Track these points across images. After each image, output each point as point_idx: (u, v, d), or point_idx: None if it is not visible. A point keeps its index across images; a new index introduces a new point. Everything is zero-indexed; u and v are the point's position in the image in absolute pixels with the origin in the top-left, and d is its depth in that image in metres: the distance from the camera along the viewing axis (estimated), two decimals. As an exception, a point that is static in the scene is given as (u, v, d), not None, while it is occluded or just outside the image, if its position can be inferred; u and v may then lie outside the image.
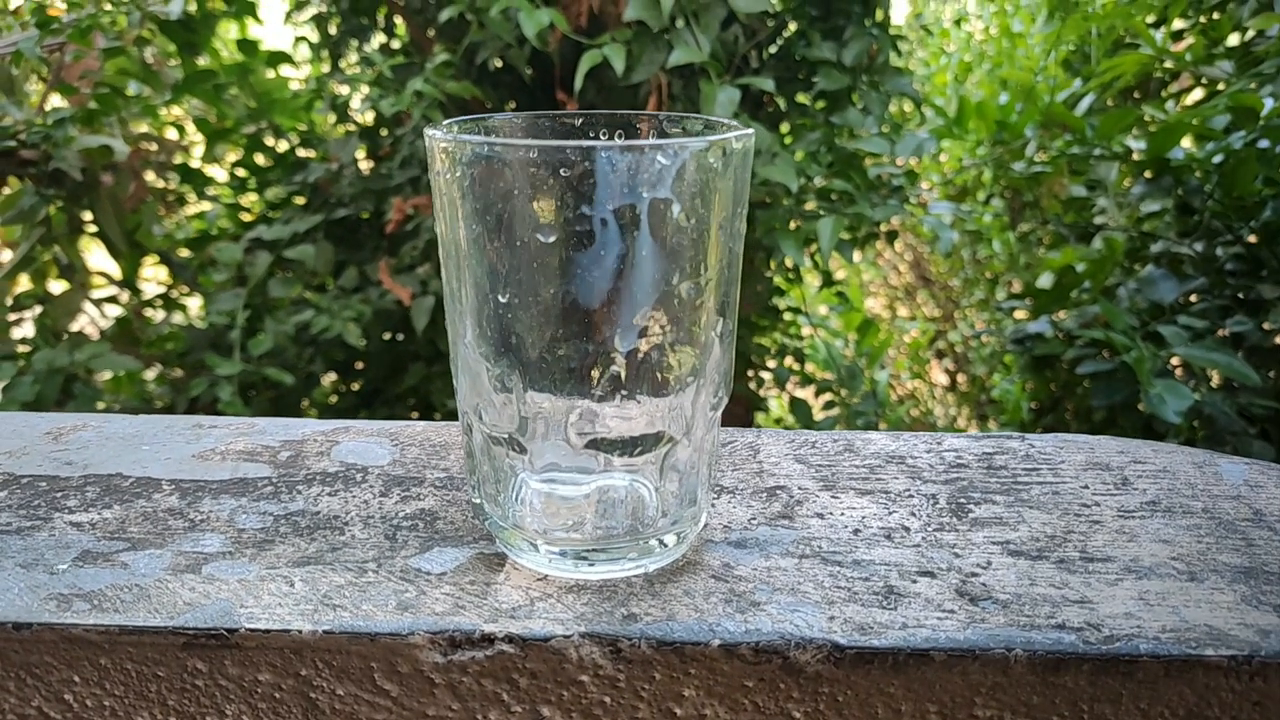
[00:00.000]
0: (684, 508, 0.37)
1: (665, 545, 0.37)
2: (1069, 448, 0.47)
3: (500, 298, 0.34)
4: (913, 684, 0.33)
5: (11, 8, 1.83)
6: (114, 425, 0.49)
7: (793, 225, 1.52)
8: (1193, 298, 1.52)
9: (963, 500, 0.42)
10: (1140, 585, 0.36)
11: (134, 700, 0.34)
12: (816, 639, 0.33)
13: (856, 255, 2.48)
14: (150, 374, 1.73)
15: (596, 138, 0.40)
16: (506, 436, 0.35)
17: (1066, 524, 0.40)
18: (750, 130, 0.34)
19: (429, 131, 0.33)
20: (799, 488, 0.43)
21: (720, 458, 0.46)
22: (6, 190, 1.63)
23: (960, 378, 2.98)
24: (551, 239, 0.32)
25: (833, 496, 0.43)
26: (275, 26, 2.00)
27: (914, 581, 0.36)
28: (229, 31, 2.04)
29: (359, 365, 1.79)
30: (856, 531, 0.40)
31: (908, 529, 0.40)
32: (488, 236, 0.33)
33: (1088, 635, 0.33)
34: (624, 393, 0.35)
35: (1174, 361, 1.44)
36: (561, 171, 0.31)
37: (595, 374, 0.35)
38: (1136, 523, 0.40)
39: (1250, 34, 1.72)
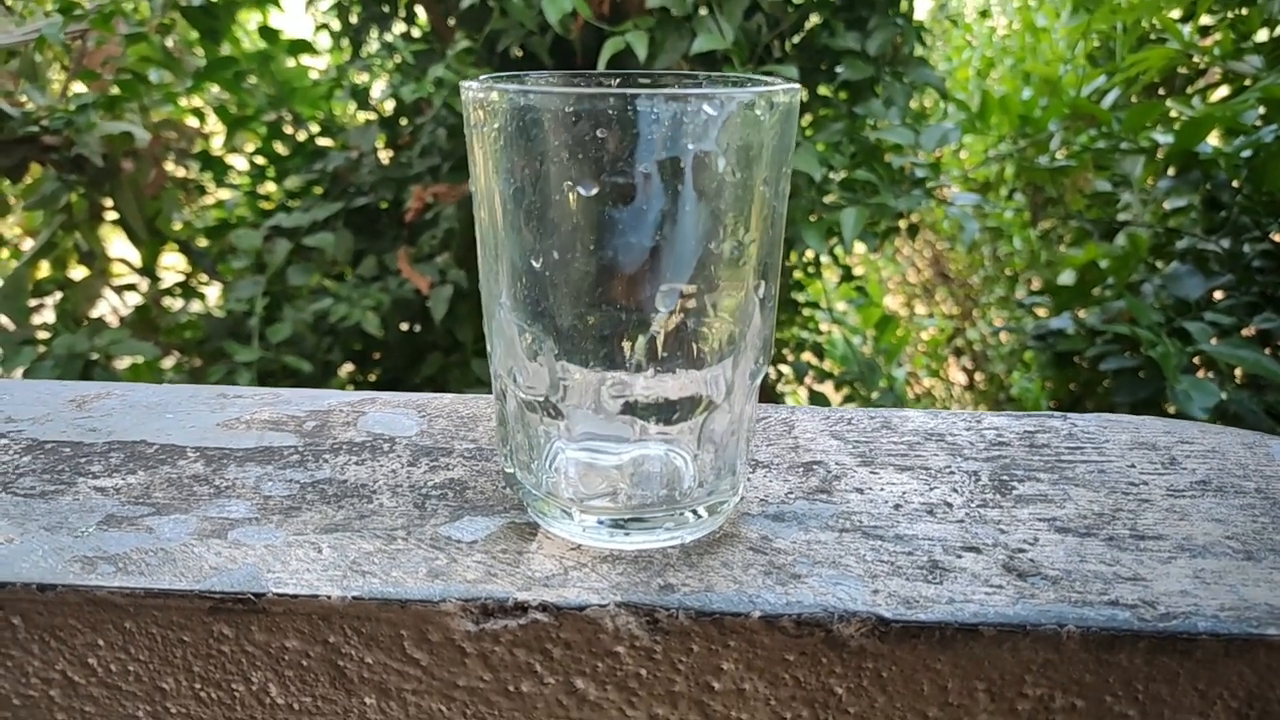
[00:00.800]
0: (721, 479, 0.36)
1: (701, 516, 0.36)
2: (1113, 427, 0.46)
3: (534, 261, 0.33)
4: (960, 660, 0.32)
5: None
6: (138, 394, 0.48)
7: (814, 217, 1.51)
8: (1220, 295, 1.50)
9: (1005, 478, 0.41)
10: (1195, 563, 0.34)
11: (159, 665, 0.33)
12: (860, 612, 0.32)
13: (877, 251, 2.46)
14: (168, 362, 1.73)
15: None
16: (541, 400, 0.34)
17: (1114, 502, 0.39)
18: (796, 85, 0.33)
19: (466, 85, 0.32)
20: (836, 463, 0.42)
21: (755, 433, 0.45)
22: (28, 178, 1.63)
23: (978, 376, 2.96)
24: (592, 193, 0.31)
25: (871, 472, 0.41)
26: (296, 14, 1.99)
27: (959, 556, 0.35)
28: (250, 20, 2.03)
29: (376, 355, 1.79)
30: (897, 507, 0.39)
31: (950, 505, 0.39)
32: (524, 192, 0.32)
33: (1143, 613, 0.32)
34: (659, 364, 0.34)
35: (1196, 361, 1.42)
36: (600, 125, 0.30)
37: (628, 345, 0.34)
38: (1187, 501, 0.39)
39: (1280, 29, 1.69)
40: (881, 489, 0.40)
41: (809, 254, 1.82)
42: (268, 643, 0.33)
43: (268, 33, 1.75)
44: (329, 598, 0.32)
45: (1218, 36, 1.91)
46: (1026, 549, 0.35)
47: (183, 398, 0.48)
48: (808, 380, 2.08)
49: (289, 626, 0.33)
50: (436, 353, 1.69)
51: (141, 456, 0.42)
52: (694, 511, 0.36)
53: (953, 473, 0.41)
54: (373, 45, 1.90)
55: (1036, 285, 2.61)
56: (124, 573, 0.33)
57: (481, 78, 0.34)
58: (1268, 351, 1.43)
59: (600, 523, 0.35)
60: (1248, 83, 1.67)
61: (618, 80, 0.37)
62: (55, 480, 0.40)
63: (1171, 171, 1.65)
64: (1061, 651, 0.31)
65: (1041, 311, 2.13)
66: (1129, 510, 0.38)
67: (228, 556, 0.34)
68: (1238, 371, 1.46)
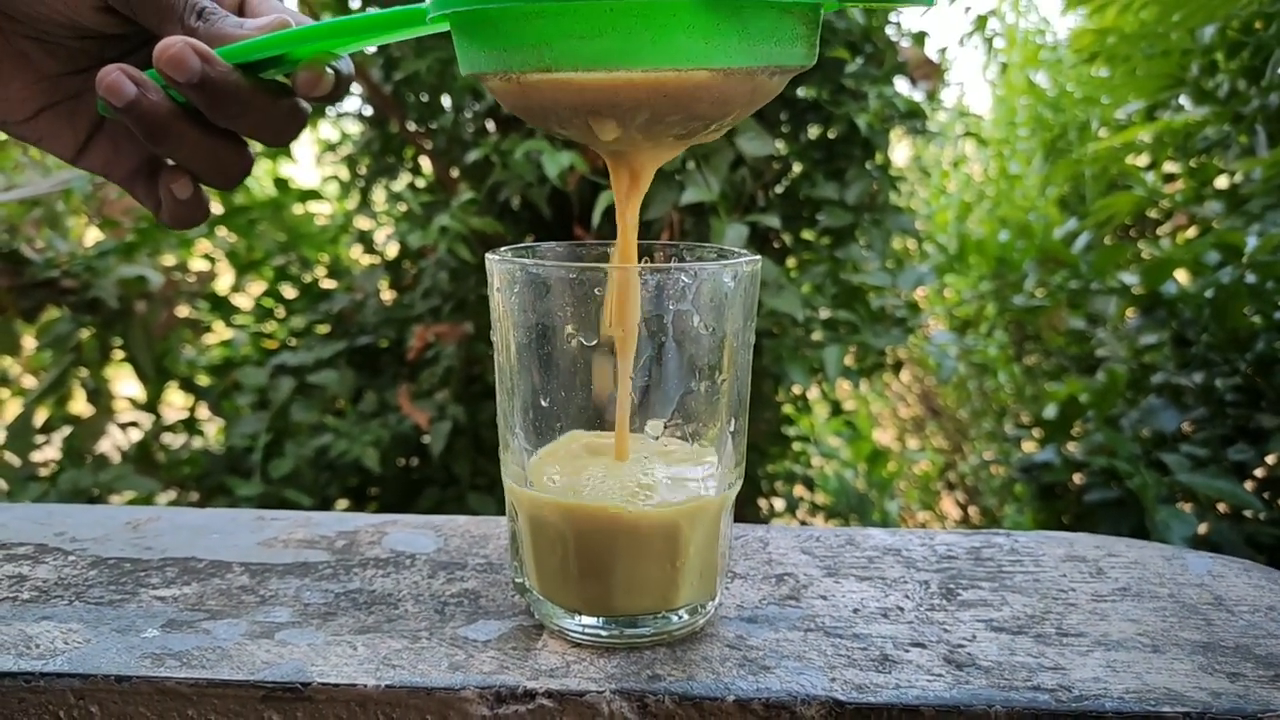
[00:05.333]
0: (703, 584, 0.42)
1: (685, 618, 0.42)
2: (1049, 543, 0.52)
3: (543, 399, 0.40)
4: (906, 737, 0.37)
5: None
6: (184, 517, 0.54)
7: (799, 354, 1.59)
8: (1196, 427, 1.56)
9: (952, 586, 0.47)
10: (1109, 655, 0.40)
11: (215, 748, 0.38)
12: (820, 696, 0.37)
13: (864, 386, 2.54)
14: (165, 497, 1.77)
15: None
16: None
17: (1045, 606, 0.45)
18: (758, 257, 0.40)
19: (490, 256, 0.40)
20: (805, 574, 0.48)
21: (733, 548, 0.51)
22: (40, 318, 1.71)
23: (972, 509, 3.00)
24: (591, 343, 0.37)
25: (835, 582, 0.47)
26: (306, 164, 2.11)
27: (907, 651, 0.41)
28: (262, 166, 2.15)
29: (373, 490, 1.83)
30: (856, 610, 0.44)
31: (902, 609, 0.44)
32: (536, 342, 0.39)
33: (1059, 695, 0.37)
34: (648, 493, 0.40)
35: (1176, 491, 1.47)
36: (598, 288, 0.37)
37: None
38: (1108, 605, 0.45)
39: (1239, 176, 1.80)
40: (843, 596, 0.46)
41: (796, 389, 1.90)
42: (310, 728, 0.38)
43: (279, 182, 1.86)
44: (365, 686, 0.38)
45: (1180, 185, 2.03)
46: (965, 644, 0.41)
47: (225, 520, 0.54)
48: (800, 514, 2.13)
49: (330, 712, 0.38)
50: (433, 487, 1.74)
51: (193, 570, 0.48)
52: (679, 614, 0.42)
53: (906, 582, 0.47)
54: (379, 194, 2.01)
55: (1025, 419, 2.67)
56: (188, 666, 0.39)
57: (503, 249, 0.41)
58: (1248, 483, 1.49)
59: (597, 622, 0.41)
60: (1215, 224, 1.78)
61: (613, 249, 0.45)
62: (120, 590, 0.45)
63: (1139, 310, 1.74)
64: (991, 729, 0.37)
65: (1029, 445, 2.20)
66: (1057, 613, 0.44)
67: (276, 653, 0.40)
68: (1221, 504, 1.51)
